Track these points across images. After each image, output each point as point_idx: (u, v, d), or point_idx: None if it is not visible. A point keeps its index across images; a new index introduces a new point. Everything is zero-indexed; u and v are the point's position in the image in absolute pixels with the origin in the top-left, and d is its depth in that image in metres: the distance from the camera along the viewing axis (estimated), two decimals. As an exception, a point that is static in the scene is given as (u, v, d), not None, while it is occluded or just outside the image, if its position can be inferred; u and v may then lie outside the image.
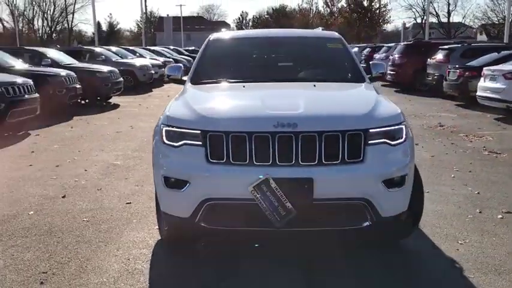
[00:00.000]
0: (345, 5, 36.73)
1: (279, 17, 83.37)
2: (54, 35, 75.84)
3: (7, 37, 67.57)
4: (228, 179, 3.17)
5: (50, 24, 75.12)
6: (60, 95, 11.98)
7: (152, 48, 30.97)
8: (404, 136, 3.40)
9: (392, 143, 3.32)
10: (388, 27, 39.36)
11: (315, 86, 4.08)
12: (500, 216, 4.58)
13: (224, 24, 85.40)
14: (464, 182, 5.71)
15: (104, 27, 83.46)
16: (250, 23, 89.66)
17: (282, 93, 4.05)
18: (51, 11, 74.56)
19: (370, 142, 3.24)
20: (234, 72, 4.65)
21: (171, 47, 35.07)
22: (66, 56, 15.36)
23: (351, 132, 3.20)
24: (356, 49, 29.28)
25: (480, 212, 4.69)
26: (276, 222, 3.14)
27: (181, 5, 75.89)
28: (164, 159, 3.38)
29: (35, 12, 73.87)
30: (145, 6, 64.95)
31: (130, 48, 25.95)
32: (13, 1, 71.62)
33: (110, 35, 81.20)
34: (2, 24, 71.43)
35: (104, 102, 14.66)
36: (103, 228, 4.38)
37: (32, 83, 9.94)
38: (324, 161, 3.16)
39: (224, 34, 5.37)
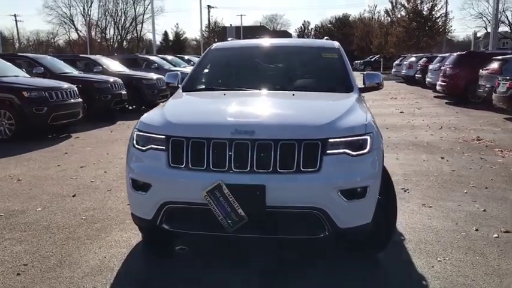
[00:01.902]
0: (404, 14, 35.76)
1: (341, 26, 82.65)
2: (124, 43, 79.67)
3: (81, 45, 71.79)
4: (185, 184, 3.26)
5: (120, 33, 79.05)
6: (106, 100, 12.62)
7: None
8: (368, 147, 3.34)
9: (353, 153, 3.28)
10: (460, 36, 37.75)
11: (293, 95, 4.11)
12: (495, 235, 4.35)
13: (285, 34, 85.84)
14: (474, 199, 5.46)
15: (171, 37, 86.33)
16: (312, 32, 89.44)
17: (255, 101, 4.11)
18: (122, 21, 78.53)
19: (328, 152, 3.22)
20: (224, 80, 4.77)
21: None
22: (116, 63, 16.14)
23: (308, 142, 3.21)
24: (413, 59, 28.50)
25: (476, 230, 4.48)
26: (228, 227, 3.20)
27: (241, 15, 77.56)
28: (133, 163, 3.54)
29: (107, 22, 78.07)
30: (209, 17, 66.64)
31: (186, 57, 26.84)
32: (88, 12, 76.17)
33: (176, 44, 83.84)
34: (78, 33, 75.89)
35: (150, 108, 15.20)
36: (96, 227, 4.62)
37: (75, 88, 10.56)
38: (278, 169, 3.18)
39: (226, 43, 5.51)
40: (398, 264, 3.78)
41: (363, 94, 5.62)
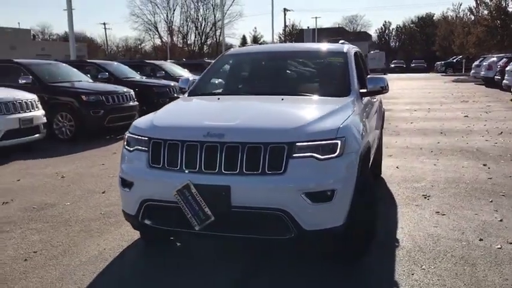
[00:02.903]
0: (486, 12, 33.65)
1: (424, 26, 79.47)
2: (205, 48, 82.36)
3: (164, 51, 75.15)
4: (160, 183, 3.49)
5: (201, 38, 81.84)
6: (164, 103, 13.22)
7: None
8: (338, 151, 3.37)
9: (321, 157, 3.33)
10: None
11: (282, 99, 4.20)
12: (498, 246, 4.14)
13: (365, 35, 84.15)
14: (496, 208, 5.19)
15: (249, 41, 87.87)
16: (393, 33, 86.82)
17: (240, 106, 4.26)
18: (203, 26, 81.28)
19: (294, 155, 3.30)
20: (225, 85, 4.94)
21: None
22: (180, 68, 16.87)
23: (273, 145, 3.31)
24: (494, 59, 26.85)
25: (480, 240, 4.29)
26: (196, 225, 3.37)
27: (316, 17, 77.14)
28: (122, 162, 3.83)
29: (189, 28, 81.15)
30: (284, 20, 66.90)
31: None
32: (171, 18, 79.65)
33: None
34: (161, 39, 79.57)
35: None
36: (110, 221, 4.98)
37: (132, 92, 11.24)
38: (244, 171, 3.31)
39: (241, 49, 5.69)
40: (377, 269, 3.75)
41: (378, 97, 5.57)
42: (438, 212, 5.09)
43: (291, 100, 4.25)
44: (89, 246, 4.31)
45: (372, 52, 63.70)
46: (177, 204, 3.39)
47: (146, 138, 3.64)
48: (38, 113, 9.02)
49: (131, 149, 3.74)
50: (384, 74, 42.09)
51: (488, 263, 3.80)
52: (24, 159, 8.34)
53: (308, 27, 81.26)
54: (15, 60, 11.08)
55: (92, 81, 11.75)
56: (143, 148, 3.64)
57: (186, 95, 4.89)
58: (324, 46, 5.26)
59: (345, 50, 4.98)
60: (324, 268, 3.77)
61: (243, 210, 3.32)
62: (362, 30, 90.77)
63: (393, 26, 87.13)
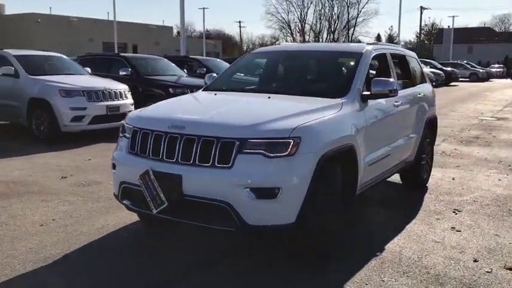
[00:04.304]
0: None
1: None
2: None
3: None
4: (131, 167, 3.83)
5: (334, 36, 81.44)
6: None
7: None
8: (289, 150, 3.40)
9: (271, 154, 3.38)
10: None
11: (269, 97, 4.27)
12: (488, 269, 3.77)
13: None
14: (524, 231, 4.66)
15: (383, 39, 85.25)
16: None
17: (223, 102, 4.44)
18: (337, 24, 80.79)
19: (244, 151, 3.41)
20: (233, 82, 5.12)
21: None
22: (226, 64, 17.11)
23: (225, 140, 3.45)
24: None
25: (475, 261, 3.93)
26: (153, 209, 3.65)
27: (453, 16, 71.24)
28: (116, 149, 4.26)
29: (322, 26, 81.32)
30: (420, 18, 63.62)
31: None
32: (304, 17, 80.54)
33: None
34: (293, 37, 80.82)
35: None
36: (132, 201, 5.48)
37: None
38: (197, 162, 3.51)
39: (266, 48, 5.80)
40: (331, 273, 3.66)
41: (420, 102, 5.32)
42: (453, 228, 4.72)
43: (277, 98, 4.30)
44: (98, 220, 4.84)
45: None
46: (140, 188, 3.71)
47: (131, 127, 4.01)
48: (126, 102, 10.00)
49: (121, 135, 4.15)
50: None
51: (460, 285, 3.50)
52: (111, 142, 9.34)
53: (449, 26, 76.16)
54: (121, 54, 12.35)
55: (186, 76, 12.61)
56: (127, 135, 4.03)
57: (201, 90, 5.18)
58: (343, 47, 5.16)
59: (362, 51, 4.83)
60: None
61: (193, 200, 3.52)
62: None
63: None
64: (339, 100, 4.17)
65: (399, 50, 5.96)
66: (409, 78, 5.92)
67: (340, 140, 3.84)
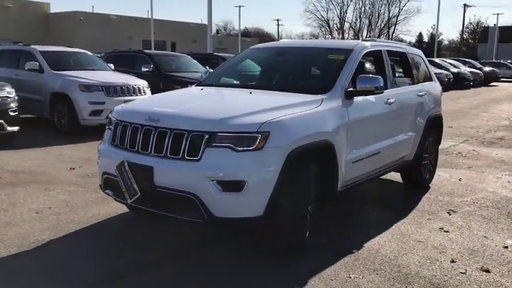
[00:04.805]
0: None
1: None
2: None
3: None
4: (110, 158, 3.97)
5: (375, 34, 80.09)
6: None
7: (437, 60, 30.22)
8: (256, 145, 3.44)
9: (238, 148, 3.44)
10: None
11: (250, 93, 4.31)
12: (462, 271, 3.69)
13: None
14: (505, 233, 4.52)
15: (425, 38, 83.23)
16: None
17: (202, 95, 4.54)
18: (378, 22, 79.51)
19: (213, 144, 3.48)
20: (223, 78, 5.18)
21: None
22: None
23: (195, 133, 3.53)
24: None
25: (452, 262, 3.86)
26: (128, 198, 3.78)
27: (497, 14, 68.55)
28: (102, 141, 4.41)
29: (363, 24, 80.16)
30: (463, 16, 61.70)
31: (437, 60, 27.81)
32: (344, 16, 79.63)
33: (430, 45, 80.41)
34: (331, 35, 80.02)
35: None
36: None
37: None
38: (168, 155, 3.60)
39: (262, 45, 5.82)
40: (299, 268, 3.67)
41: (421, 99, 5.30)
42: (442, 229, 4.63)
43: (258, 94, 4.34)
44: (92, 209, 5.01)
45: None
46: (117, 178, 3.84)
47: (114, 119, 4.15)
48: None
49: (107, 127, 4.30)
50: None
51: (428, 284, 3.45)
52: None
53: (494, 24, 73.50)
54: (144, 50, 12.64)
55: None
56: (111, 127, 4.17)
57: (194, 85, 5.27)
58: (335, 43, 5.13)
59: (352, 48, 4.80)
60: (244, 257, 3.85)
61: (164, 191, 3.62)
62: None
63: None
64: (319, 96, 4.17)
65: (400, 47, 5.86)
66: (409, 76, 5.82)
67: (315, 136, 3.84)
